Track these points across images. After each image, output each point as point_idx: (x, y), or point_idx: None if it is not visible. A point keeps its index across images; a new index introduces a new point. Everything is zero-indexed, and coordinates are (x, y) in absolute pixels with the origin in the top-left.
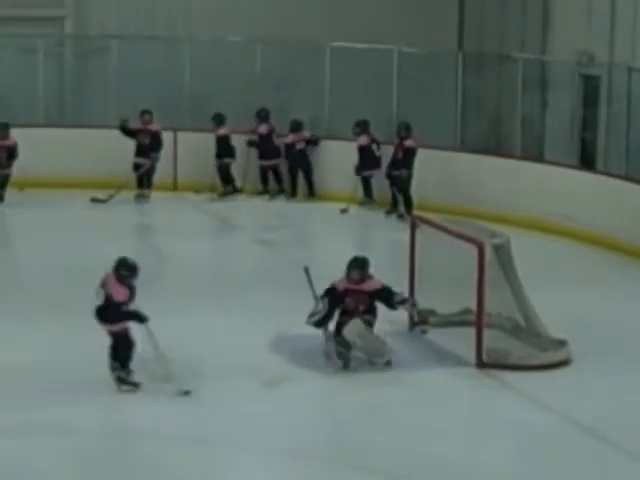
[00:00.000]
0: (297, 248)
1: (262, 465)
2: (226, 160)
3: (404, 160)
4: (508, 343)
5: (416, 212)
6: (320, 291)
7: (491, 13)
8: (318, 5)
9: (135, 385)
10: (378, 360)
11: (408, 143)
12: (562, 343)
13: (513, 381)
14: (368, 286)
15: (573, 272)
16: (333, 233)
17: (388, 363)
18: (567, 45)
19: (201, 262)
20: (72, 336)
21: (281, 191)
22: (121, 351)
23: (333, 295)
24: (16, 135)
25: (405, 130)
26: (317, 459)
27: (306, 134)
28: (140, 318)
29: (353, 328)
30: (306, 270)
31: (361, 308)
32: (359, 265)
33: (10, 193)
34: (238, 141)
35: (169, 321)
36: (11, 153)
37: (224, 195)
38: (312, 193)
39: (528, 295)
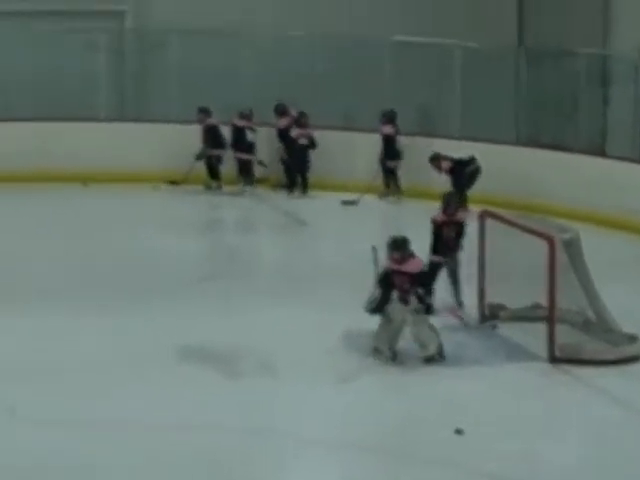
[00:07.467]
0: (360, 242)
1: (331, 460)
2: (210, 151)
3: None
4: (579, 338)
5: (483, 206)
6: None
7: (551, 8)
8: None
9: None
10: (420, 352)
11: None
12: (633, 338)
13: (586, 376)
14: (408, 267)
15: (638, 267)
16: (389, 227)
17: (427, 359)
18: (629, 39)
19: (269, 257)
20: (132, 328)
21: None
22: None
23: (386, 279)
24: (77, 130)
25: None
26: (387, 454)
27: (310, 131)
28: None
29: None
30: (373, 249)
31: (405, 287)
32: (396, 245)
33: (73, 188)
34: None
35: (239, 318)
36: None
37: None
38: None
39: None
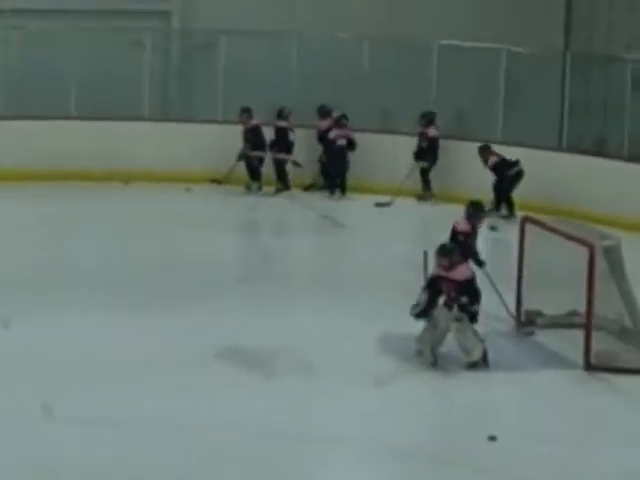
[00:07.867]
0: (396, 244)
1: (366, 463)
2: (252, 152)
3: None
4: (615, 346)
5: (523, 212)
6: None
7: (599, 13)
8: (426, 3)
9: None
10: (465, 358)
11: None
12: None
13: (621, 384)
14: (456, 274)
15: None
16: (426, 230)
17: (471, 365)
18: None
19: (305, 259)
20: (168, 328)
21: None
22: None
23: (433, 284)
24: (121, 129)
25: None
26: (422, 458)
27: (350, 133)
28: None
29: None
30: (425, 254)
31: (452, 295)
32: (445, 252)
33: (114, 187)
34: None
35: (276, 319)
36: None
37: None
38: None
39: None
